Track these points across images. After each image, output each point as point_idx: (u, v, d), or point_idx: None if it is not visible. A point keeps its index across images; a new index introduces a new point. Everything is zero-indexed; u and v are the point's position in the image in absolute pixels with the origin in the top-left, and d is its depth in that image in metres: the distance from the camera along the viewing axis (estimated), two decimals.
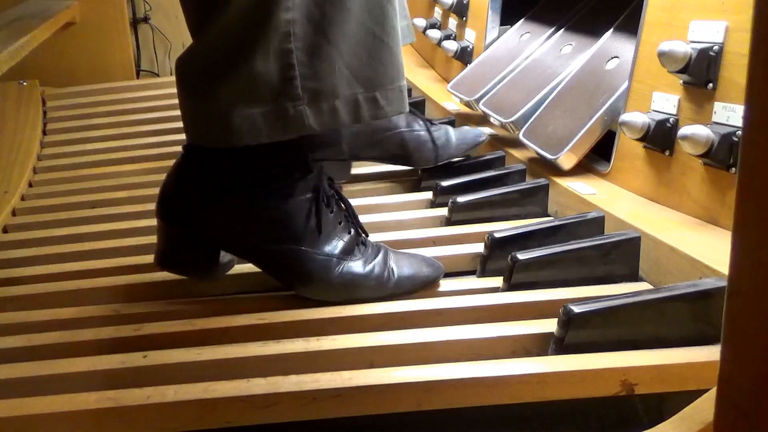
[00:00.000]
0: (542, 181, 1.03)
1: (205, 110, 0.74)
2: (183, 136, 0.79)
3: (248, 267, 0.90)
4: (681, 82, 0.86)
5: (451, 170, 1.13)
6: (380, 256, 0.81)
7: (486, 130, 1.21)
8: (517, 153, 1.14)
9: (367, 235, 0.83)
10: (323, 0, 0.71)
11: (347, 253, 0.79)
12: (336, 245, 0.78)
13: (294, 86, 0.71)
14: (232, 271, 0.89)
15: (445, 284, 0.84)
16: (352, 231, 0.81)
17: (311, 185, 0.78)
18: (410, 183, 1.17)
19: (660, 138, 0.88)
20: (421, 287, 0.82)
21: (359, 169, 1.21)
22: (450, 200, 1.00)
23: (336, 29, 0.71)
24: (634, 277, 0.83)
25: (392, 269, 0.80)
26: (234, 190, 0.76)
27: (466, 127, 1.18)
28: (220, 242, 0.79)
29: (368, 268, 0.79)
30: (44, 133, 1.61)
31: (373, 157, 1.13)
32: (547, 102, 1.11)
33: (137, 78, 2.25)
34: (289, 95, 0.72)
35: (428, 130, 1.13)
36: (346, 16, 0.72)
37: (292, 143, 0.75)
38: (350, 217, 0.82)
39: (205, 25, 0.74)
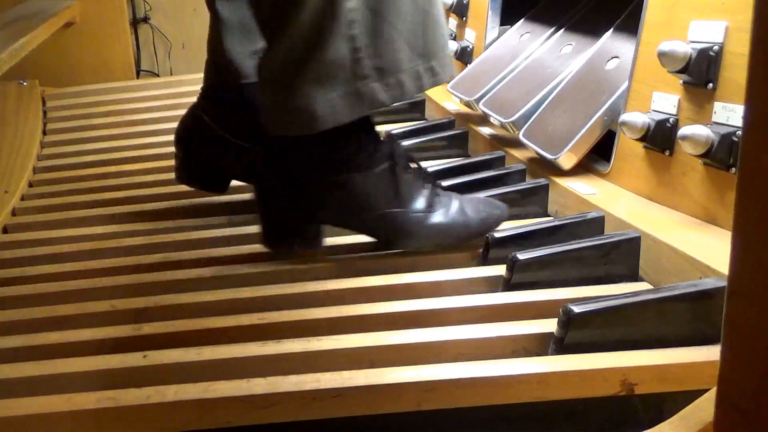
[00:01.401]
0: (542, 181, 1.03)
1: (288, 103, 0.82)
2: None
3: (248, 267, 0.91)
4: (681, 82, 0.86)
5: (451, 170, 1.13)
6: (456, 205, 0.90)
7: (486, 131, 1.21)
8: (517, 153, 1.14)
9: (441, 187, 0.92)
10: None
11: (431, 205, 0.88)
12: (420, 201, 0.87)
13: (362, 66, 0.81)
14: (231, 271, 0.89)
15: (446, 280, 0.84)
16: (428, 186, 0.89)
17: (386, 153, 0.87)
18: None
19: (660, 138, 0.88)
20: (495, 226, 0.91)
21: None
22: None
23: (391, 10, 0.81)
24: (634, 277, 0.83)
25: (470, 215, 0.90)
26: (325, 170, 0.85)
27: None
28: (323, 218, 0.88)
29: (451, 216, 0.89)
30: (44, 133, 1.61)
31: None
32: (547, 102, 1.11)
33: (137, 78, 2.25)
34: (359, 75, 0.81)
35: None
36: None
37: (362, 122, 0.84)
38: (423, 174, 0.91)
39: (280, 28, 0.82)
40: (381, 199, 0.86)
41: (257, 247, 0.96)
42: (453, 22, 1.59)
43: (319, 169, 0.85)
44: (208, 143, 1.07)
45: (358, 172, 0.85)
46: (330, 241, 0.93)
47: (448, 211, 0.89)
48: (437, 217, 0.88)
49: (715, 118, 0.81)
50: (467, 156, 1.26)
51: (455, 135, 1.29)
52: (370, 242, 0.92)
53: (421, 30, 0.83)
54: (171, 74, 2.50)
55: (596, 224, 0.90)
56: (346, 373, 0.66)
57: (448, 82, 0.89)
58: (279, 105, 0.83)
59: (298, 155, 0.85)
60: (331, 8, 0.78)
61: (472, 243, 0.91)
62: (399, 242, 0.89)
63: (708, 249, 0.75)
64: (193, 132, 1.08)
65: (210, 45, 1.09)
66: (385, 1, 0.80)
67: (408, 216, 0.87)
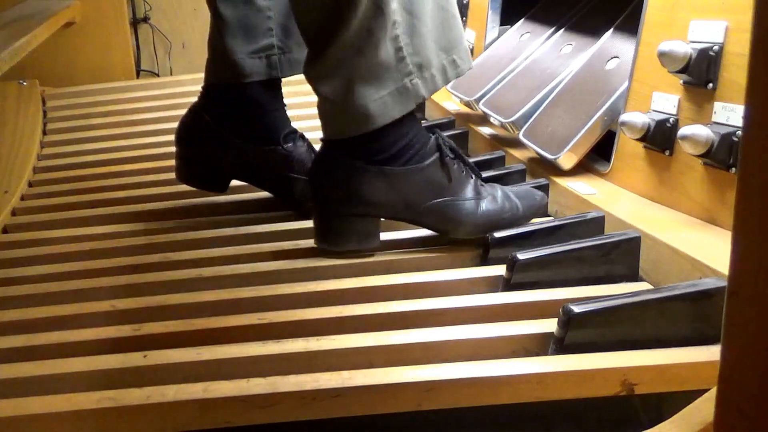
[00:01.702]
0: (542, 181, 1.03)
1: (344, 107, 0.86)
2: None
3: (248, 267, 0.91)
4: (681, 82, 0.86)
5: None
6: (501, 193, 0.93)
7: (486, 130, 1.21)
8: (517, 153, 1.14)
9: (481, 177, 0.95)
10: None
11: (479, 194, 0.91)
12: (469, 189, 0.90)
13: (405, 64, 0.85)
14: (231, 271, 0.89)
15: (445, 280, 0.84)
16: (473, 175, 0.92)
17: (434, 145, 0.89)
18: None
19: (660, 138, 0.88)
20: (539, 213, 0.95)
21: None
22: None
23: (421, 9, 0.85)
24: (634, 277, 0.83)
25: (516, 201, 0.92)
26: (377, 167, 0.87)
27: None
28: (379, 213, 0.90)
29: (499, 203, 0.91)
30: (44, 133, 1.61)
31: None
32: (547, 102, 1.11)
33: (137, 78, 2.24)
34: (404, 73, 0.86)
35: None
36: None
37: (408, 117, 0.88)
38: (467, 164, 0.92)
39: (332, 34, 0.84)
40: (433, 189, 0.88)
41: (257, 247, 0.96)
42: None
43: (374, 164, 0.87)
44: (208, 143, 1.07)
45: (409, 164, 0.88)
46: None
47: (496, 198, 0.91)
48: (487, 204, 0.90)
49: (715, 118, 0.81)
50: (467, 156, 1.26)
51: (455, 135, 1.29)
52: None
53: (443, 27, 0.88)
54: (171, 74, 2.50)
55: (596, 224, 0.90)
56: (346, 373, 0.66)
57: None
58: (335, 108, 0.87)
59: (352, 152, 0.88)
60: (380, 11, 0.82)
61: (472, 243, 0.91)
62: (453, 230, 0.91)
63: (708, 249, 0.75)
64: (193, 131, 1.08)
65: (211, 45, 1.09)
66: (415, 1, 0.85)
67: (460, 204, 0.89)
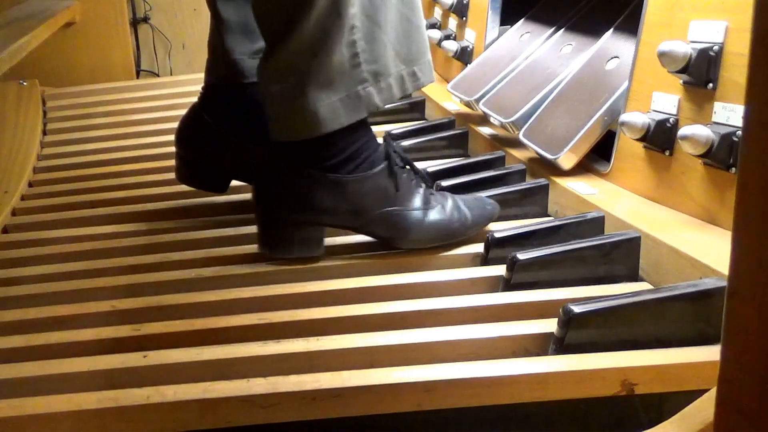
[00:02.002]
0: (542, 181, 1.03)
1: (293, 108, 0.84)
2: None
3: (248, 267, 0.91)
4: (681, 82, 0.86)
5: (451, 170, 1.13)
6: (451, 202, 0.91)
7: (486, 131, 1.21)
8: (517, 153, 1.14)
9: (431, 188, 0.94)
10: None
11: (427, 203, 0.90)
12: (417, 199, 0.89)
13: (360, 71, 0.84)
14: (231, 271, 0.89)
15: (445, 280, 0.84)
16: (423, 185, 0.91)
17: (383, 153, 0.89)
18: None
19: (660, 138, 0.88)
20: (488, 222, 0.94)
21: None
22: None
23: (383, 17, 0.84)
24: (634, 277, 0.83)
25: (465, 211, 0.91)
26: (324, 173, 0.86)
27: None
28: (323, 220, 0.89)
29: (447, 212, 0.90)
30: (44, 133, 1.61)
31: None
32: (547, 102, 1.11)
33: (137, 78, 2.24)
34: (358, 80, 0.84)
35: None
36: (389, 5, 0.84)
37: (359, 124, 0.87)
38: (417, 173, 0.92)
39: (286, 33, 0.83)
40: (380, 198, 0.87)
41: (257, 247, 0.96)
42: (453, 22, 1.59)
43: (319, 171, 0.86)
44: (208, 143, 1.07)
45: (357, 173, 0.86)
46: (330, 241, 0.93)
47: (444, 208, 0.90)
48: (435, 215, 0.89)
49: (715, 118, 0.81)
50: (467, 156, 1.26)
51: (455, 135, 1.29)
52: (369, 242, 0.92)
53: (404, 37, 0.87)
54: (171, 74, 2.50)
55: (596, 224, 0.90)
56: (346, 373, 0.66)
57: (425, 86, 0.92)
58: (284, 109, 0.85)
59: (299, 158, 0.86)
60: (337, 13, 0.80)
61: (472, 243, 0.91)
62: (399, 240, 0.90)
63: (708, 249, 0.75)
64: (193, 131, 1.08)
65: (211, 45, 1.09)
66: (377, 8, 0.83)
67: (406, 214, 0.88)
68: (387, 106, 0.89)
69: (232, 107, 1.06)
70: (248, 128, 1.06)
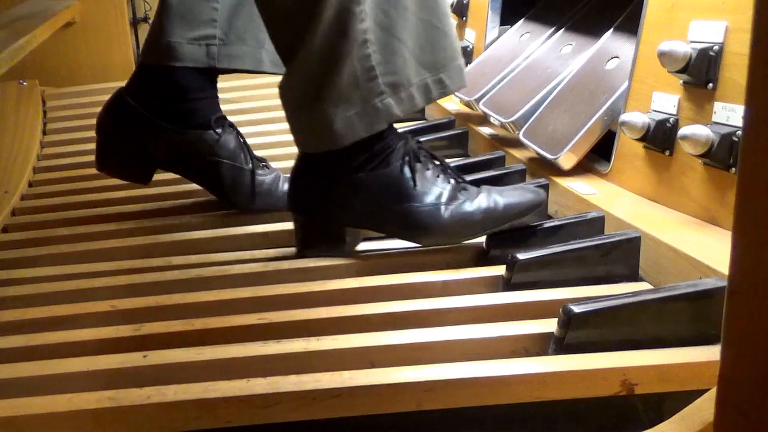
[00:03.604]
0: (542, 181, 1.03)
1: (311, 124, 0.86)
2: None
3: (248, 267, 0.91)
4: (681, 82, 0.86)
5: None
6: (483, 193, 0.89)
7: (486, 130, 1.21)
8: (517, 153, 1.14)
9: (467, 182, 0.92)
10: (388, 6, 0.83)
11: (452, 198, 0.88)
12: (440, 195, 0.88)
13: (377, 84, 0.84)
14: (231, 271, 0.89)
15: (445, 280, 0.84)
16: (452, 181, 0.90)
17: (401, 153, 0.88)
18: None
19: (660, 138, 0.88)
20: (528, 211, 0.89)
21: None
22: None
23: (401, 28, 0.84)
24: (634, 277, 0.83)
25: (496, 199, 0.88)
26: (344, 175, 0.87)
27: None
28: (344, 220, 0.90)
29: (474, 204, 0.88)
30: (44, 133, 1.61)
31: None
32: (547, 102, 1.11)
33: None
34: (375, 92, 0.84)
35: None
36: (407, 14, 0.84)
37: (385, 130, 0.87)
38: (448, 170, 0.91)
39: (296, 51, 0.84)
40: (396, 195, 0.87)
41: (257, 247, 0.96)
42: (453, 22, 1.59)
43: (342, 173, 0.87)
44: (131, 128, 1.04)
45: (372, 171, 0.87)
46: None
47: (472, 202, 0.88)
48: (459, 207, 0.88)
49: (715, 118, 0.81)
50: (467, 156, 1.26)
51: (455, 135, 1.29)
52: (369, 242, 0.92)
53: (429, 44, 0.86)
54: None
55: (596, 224, 0.90)
56: (346, 373, 0.66)
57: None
58: (304, 126, 0.88)
59: (319, 161, 0.88)
60: (343, 31, 0.81)
61: (472, 243, 0.91)
62: (416, 237, 0.90)
63: (708, 249, 0.75)
64: (115, 115, 1.06)
65: (152, 26, 1.08)
66: (394, 19, 0.83)
67: (420, 209, 0.87)
68: None
69: (159, 90, 1.04)
70: (176, 112, 1.03)
